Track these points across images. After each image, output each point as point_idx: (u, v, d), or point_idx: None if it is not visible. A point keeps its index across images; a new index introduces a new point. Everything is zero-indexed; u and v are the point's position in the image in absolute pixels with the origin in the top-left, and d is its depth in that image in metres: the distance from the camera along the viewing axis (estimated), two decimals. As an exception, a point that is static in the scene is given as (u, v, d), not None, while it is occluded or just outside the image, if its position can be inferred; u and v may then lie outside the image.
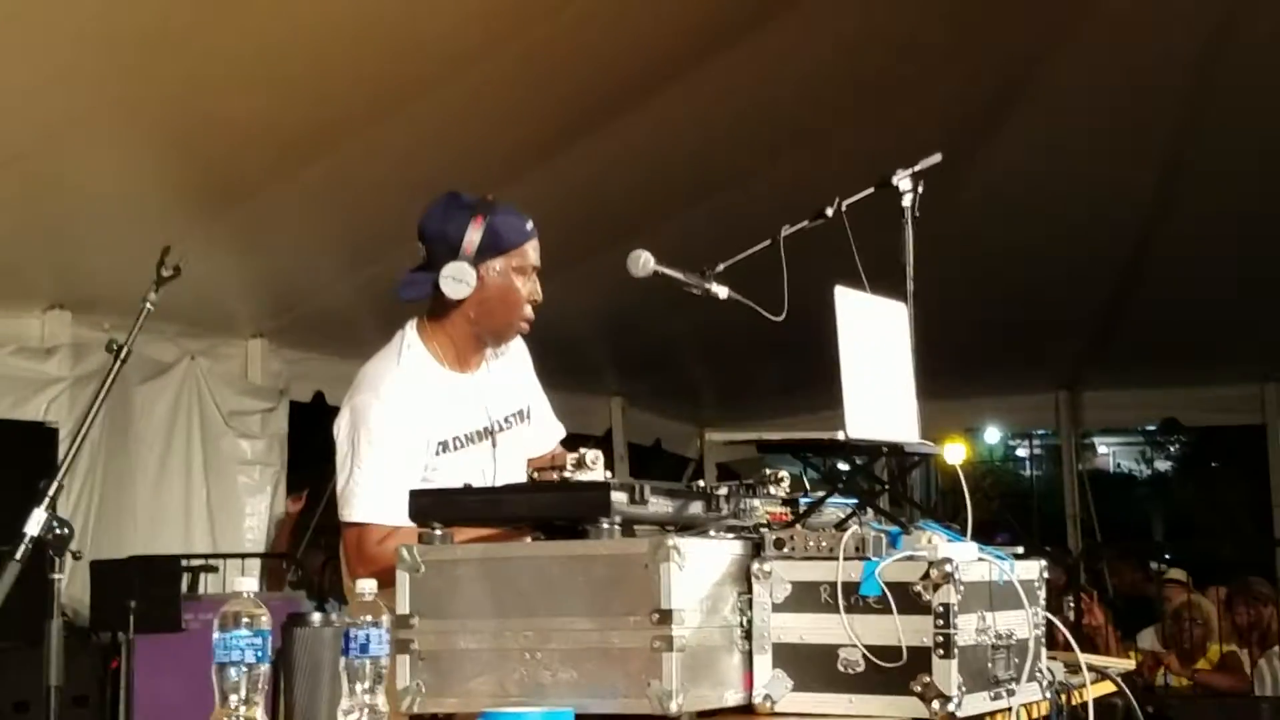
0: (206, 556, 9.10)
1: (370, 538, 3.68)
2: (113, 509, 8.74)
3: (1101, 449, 31.61)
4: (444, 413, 3.84)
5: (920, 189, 3.91)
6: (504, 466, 3.91)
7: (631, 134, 7.91)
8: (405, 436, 3.76)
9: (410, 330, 3.93)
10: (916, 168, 3.93)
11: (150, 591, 7.46)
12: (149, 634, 7.44)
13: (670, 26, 7.25)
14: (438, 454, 3.80)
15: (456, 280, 3.79)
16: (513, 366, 4.09)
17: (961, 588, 2.80)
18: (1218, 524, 24.16)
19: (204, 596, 8.49)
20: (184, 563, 8.52)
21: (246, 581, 2.59)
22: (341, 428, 3.81)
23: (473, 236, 3.79)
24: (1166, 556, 15.75)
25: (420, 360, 3.88)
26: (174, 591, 7.82)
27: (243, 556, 9.29)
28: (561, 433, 4.28)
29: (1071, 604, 9.00)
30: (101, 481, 8.56)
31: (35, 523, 3.48)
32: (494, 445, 3.94)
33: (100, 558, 7.66)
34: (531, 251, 3.89)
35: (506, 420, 4.01)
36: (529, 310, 3.91)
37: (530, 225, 3.89)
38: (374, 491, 3.70)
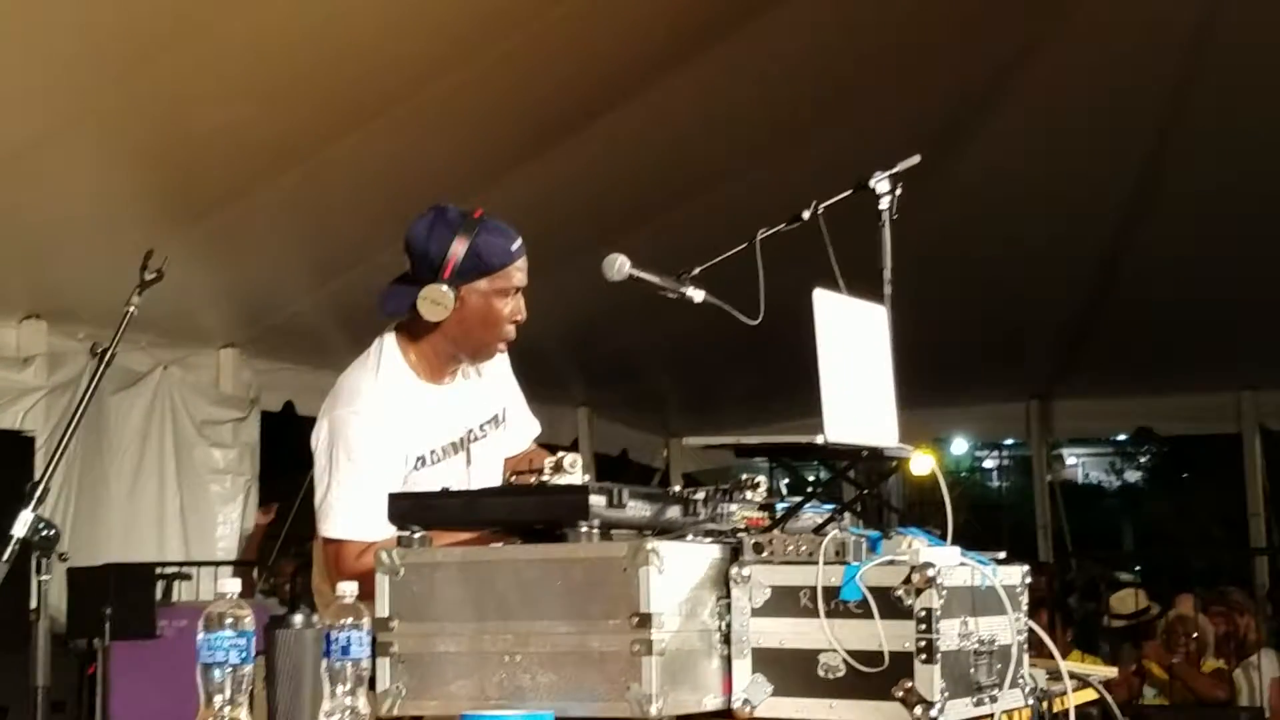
0: (180, 564, 9.11)
1: (349, 553, 3.66)
2: (87, 517, 8.73)
3: (1070, 460, 31.65)
4: (420, 427, 3.82)
5: (899, 191, 3.90)
6: (478, 480, 3.87)
7: (600, 142, 7.92)
8: (383, 451, 3.73)
9: (388, 340, 3.89)
10: (894, 170, 3.92)
11: (125, 598, 7.47)
12: (125, 640, 7.46)
13: (639, 33, 7.27)
14: (415, 469, 3.78)
15: (434, 303, 3.75)
16: (487, 368, 4.05)
17: (944, 592, 2.79)
18: (1190, 534, 24.22)
19: (178, 603, 8.51)
20: (158, 570, 8.52)
21: (230, 583, 2.59)
22: (320, 441, 3.78)
23: (454, 258, 3.74)
24: (1138, 568, 15.83)
25: (398, 372, 3.86)
26: (149, 598, 7.84)
27: (216, 564, 9.28)
28: (536, 429, 4.25)
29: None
30: (76, 490, 8.55)
31: (22, 524, 3.46)
32: (468, 458, 3.92)
33: (76, 565, 7.64)
34: (516, 273, 3.83)
35: (481, 429, 3.99)
36: (509, 330, 3.87)
37: (516, 245, 3.83)
38: (352, 507, 3.68)
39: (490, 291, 3.80)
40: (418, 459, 3.79)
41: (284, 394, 10.23)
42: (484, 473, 3.92)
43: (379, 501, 3.31)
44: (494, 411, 4.05)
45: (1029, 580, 3.23)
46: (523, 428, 4.20)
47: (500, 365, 4.10)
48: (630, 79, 7.58)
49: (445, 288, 3.74)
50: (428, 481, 3.75)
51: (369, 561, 3.26)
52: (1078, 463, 32.44)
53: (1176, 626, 9.08)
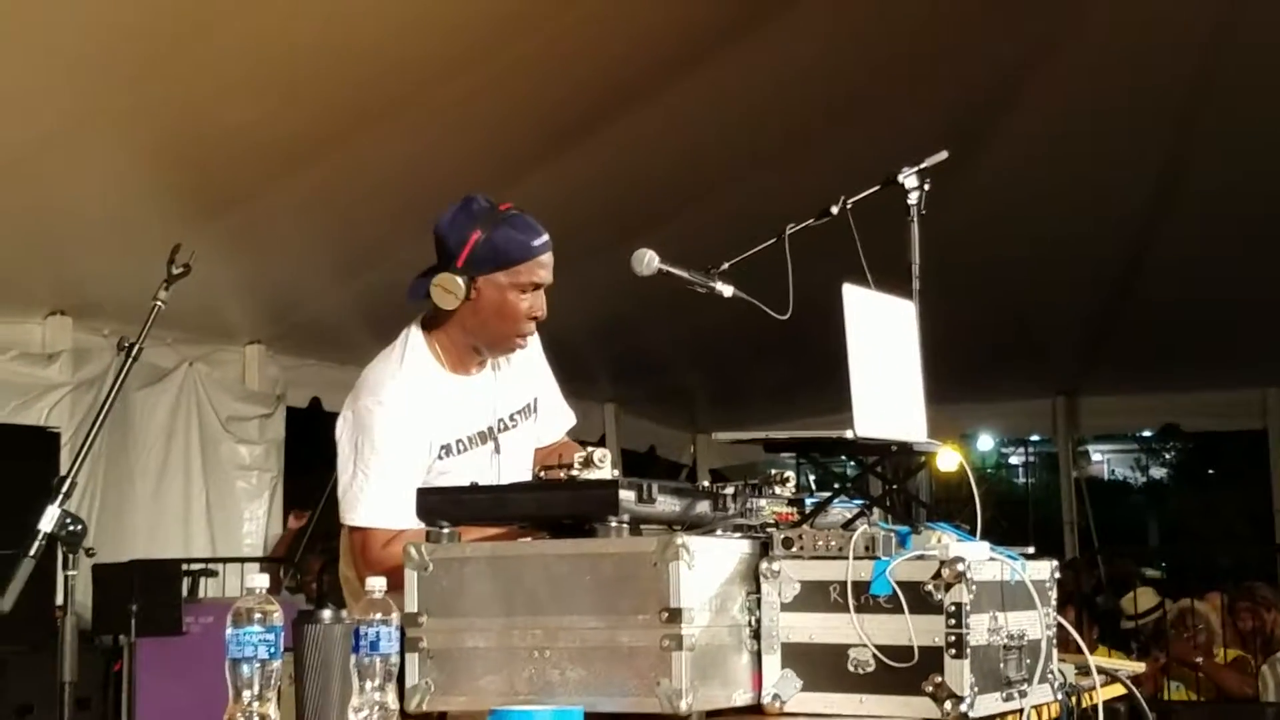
0: (206, 561, 9.12)
1: (375, 541, 3.65)
2: (113, 514, 8.78)
3: (1096, 456, 31.60)
4: (446, 416, 3.81)
5: (927, 187, 3.89)
6: (507, 469, 3.87)
7: (626, 138, 7.91)
8: (408, 441, 3.72)
9: (414, 331, 3.89)
10: (922, 165, 3.91)
11: (151, 595, 7.51)
12: (150, 637, 7.48)
13: (654, 36, 7.26)
14: (440, 458, 3.76)
15: (445, 291, 3.74)
16: (518, 357, 4.01)
17: (974, 587, 2.78)
18: (1216, 530, 24.16)
19: (204, 600, 8.52)
20: (184, 567, 8.54)
21: (258, 578, 2.59)
22: (344, 431, 3.77)
23: (469, 248, 3.74)
24: (1164, 564, 15.78)
25: (422, 363, 3.84)
26: (175, 595, 7.86)
27: (242, 561, 9.31)
28: (571, 420, 4.23)
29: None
30: (102, 486, 8.60)
31: (49, 519, 3.46)
32: (496, 447, 3.90)
33: (101, 562, 7.66)
34: (538, 269, 3.79)
35: (511, 419, 3.96)
36: (527, 326, 3.84)
37: (539, 241, 3.79)
38: (377, 496, 3.67)
39: (507, 285, 3.77)
40: (443, 448, 3.77)
41: (310, 390, 10.25)
42: (513, 462, 3.90)
43: (404, 491, 3.35)
44: (525, 401, 4.03)
45: (1058, 575, 3.22)
46: (556, 418, 4.17)
47: (533, 354, 4.07)
48: (646, 81, 7.57)
49: (457, 276, 3.73)
50: (454, 470, 3.74)
51: (396, 551, 3.27)
52: (1103, 459, 32.39)
53: (1181, 621, 9.06)
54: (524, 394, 4.03)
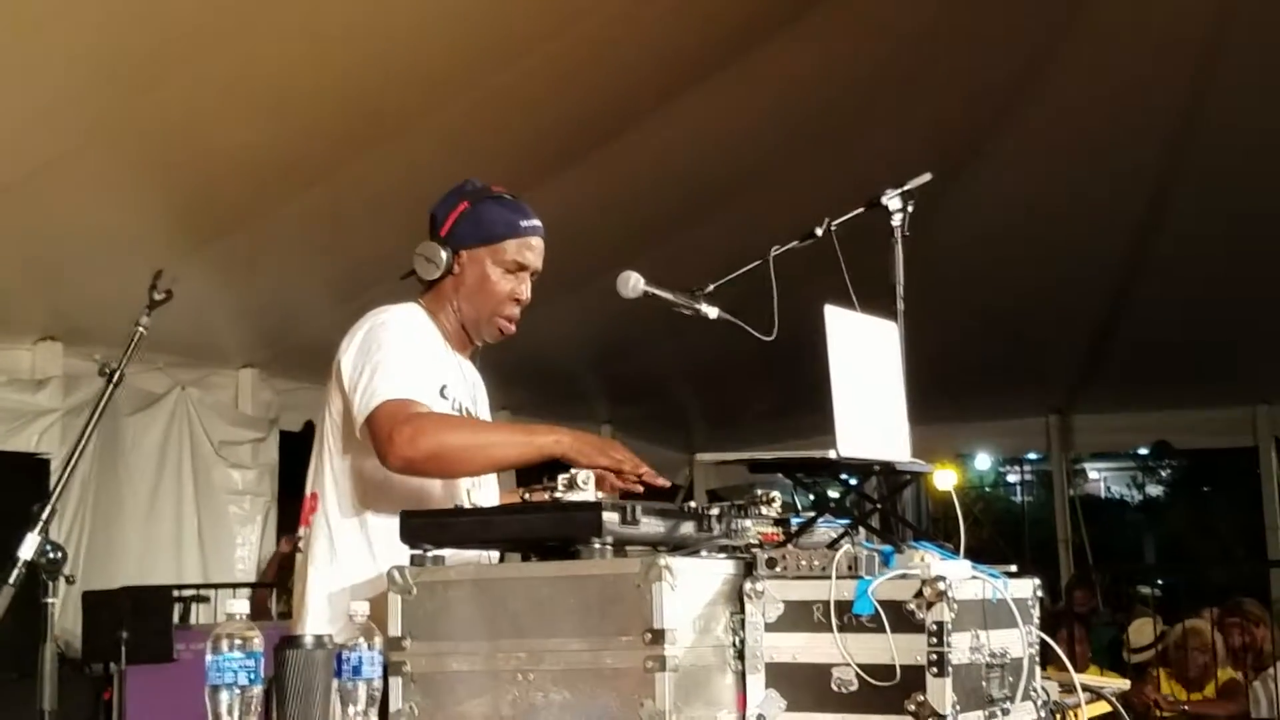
0: (198, 587, 9.10)
1: (405, 409, 3.45)
2: (103, 540, 8.75)
3: (1092, 474, 31.55)
4: (445, 366, 3.76)
5: (910, 208, 3.90)
6: None
7: (621, 162, 7.93)
8: (416, 342, 3.67)
9: (412, 304, 3.84)
10: (906, 187, 3.92)
11: (142, 622, 7.47)
12: (141, 664, 7.44)
13: (653, 57, 7.28)
14: (443, 397, 3.68)
15: (427, 259, 3.74)
16: (480, 383, 3.98)
17: (955, 605, 2.78)
18: (1209, 547, 24.16)
19: (196, 626, 8.49)
20: (175, 593, 8.52)
21: (237, 604, 2.59)
22: (350, 350, 3.64)
23: (452, 220, 3.76)
24: (1159, 582, 15.77)
25: (424, 318, 3.81)
26: (165, 622, 7.83)
27: (234, 586, 9.29)
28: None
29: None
30: (92, 512, 8.58)
31: (29, 547, 3.46)
32: None
33: (91, 589, 7.65)
34: (524, 250, 3.79)
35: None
36: (510, 309, 3.80)
37: (527, 223, 3.80)
38: (400, 374, 3.53)
39: (490, 262, 3.77)
40: (444, 387, 3.69)
41: (304, 414, 10.21)
42: None
43: (418, 373, 3.43)
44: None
45: (1040, 594, 3.23)
46: None
47: (482, 386, 4.01)
48: (637, 107, 7.61)
49: (440, 247, 3.74)
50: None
51: (433, 417, 3.36)
52: (1100, 476, 32.36)
53: (1187, 641, 9.04)
54: (481, 413, 3.97)
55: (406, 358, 3.59)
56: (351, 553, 3.60)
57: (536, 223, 3.83)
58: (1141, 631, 10.24)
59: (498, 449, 3.52)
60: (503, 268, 3.78)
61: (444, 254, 3.74)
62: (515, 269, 3.79)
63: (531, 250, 3.80)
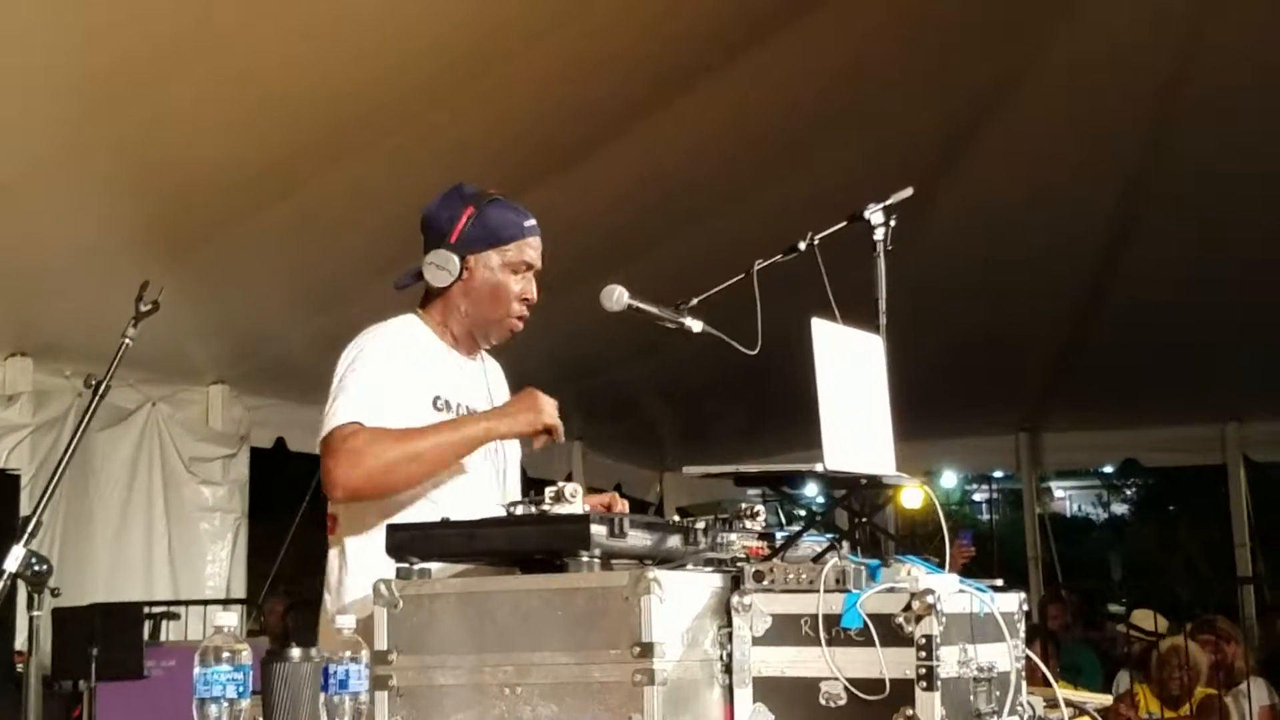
0: (168, 603, 9.05)
1: (342, 438, 3.54)
2: (74, 556, 8.70)
3: (1059, 493, 31.70)
4: (442, 372, 3.79)
5: (892, 222, 3.92)
6: (511, 459, 3.87)
7: (595, 176, 7.92)
8: (395, 362, 3.69)
9: (406, 315, 3.88)
10: (888, 201, 3.94)
11: (112, 639, 7.42)
12: (111, 681, 7.40)
13: (628, 71, 7.27)
14: (436, 409, 3.71)
15: (439, 267, 3.77)
16: (498, 374, 4.04)
17: (944, 619, 2.78)
18: (1177, 565, 24.26)
19: (166, 643, 8.45)
20: (146, 609, 8.46)
21: (226, 617, 2.58)
22: (336, 372, 3.70)
23: (462, 225, 3.78)
24: (1123, 600, 15.84)
25: (418, 328, 3.84)
26: (136, 638, 7.77)
27: (204, 603, 9.24)
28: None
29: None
30: (62, 529, 8.52)
31: (14, 559, 3.43)
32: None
33: (61, 605, 7.59)
34: (528, 249, 3.84)
35: None
36: (519, 308, 3.86)
37: (530, 223, 3.86)
38: (355, 398, 3.59)
39: (500, 265, 3.81)
40: (438, 399, 3.73)
41: (274, 430, 10.21)
42: (512, 460, 3.90)
43: (379, 398, 3.46)
44: None
45: (1026, 608, 3.23)
46: (513, 458, 4.10)
47: (503, 377, 4.06)
48: (614, 121, 7.60)
49: (451, 253, 3.76)
50: None
51: (361, 439, 3.42)
52: (1066, 495, 32.50)
53: (1171, 658, 9.05)
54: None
55: (372, 380, 3.63)
56: (363, 572, 3.59)
57: (535, 222, 3.88)
58: (1146, 618, 10.28)
59: (430, 453, 3.56)
60: (511, 269, 3.83)
61: (456, 260, 3.76)
62: (524, 270, 3.84)
63: (535, 250, 3.87)
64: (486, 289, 3.81)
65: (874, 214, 3.94)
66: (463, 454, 3.59)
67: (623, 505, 3.65)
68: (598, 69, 7.14)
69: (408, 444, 3.57)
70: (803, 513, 3.47)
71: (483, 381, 3.93)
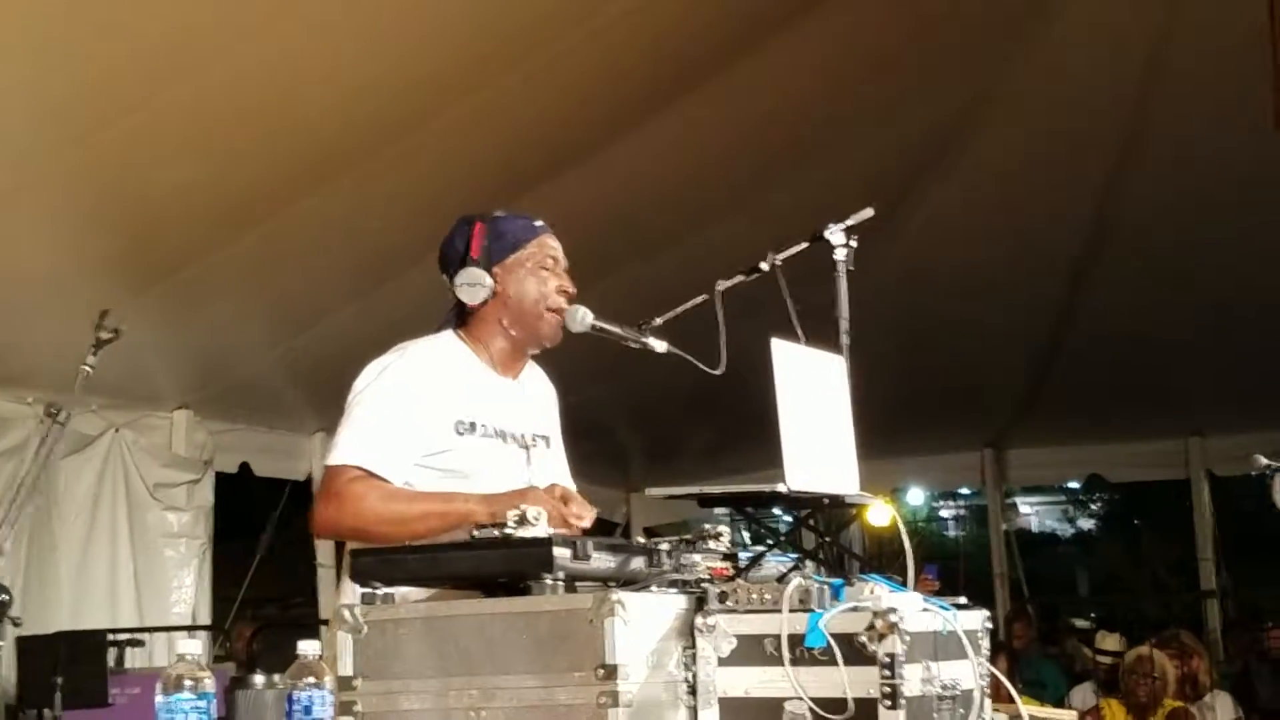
0: (133, 630, 8.97)
1: (340, 475, 3.61)
2: (37, 584, 8.63)
3: (1024, 509, 31.80)
4: (471, 393, 3.79)
5: (854, 243, 3.94)
6: (539, 480, 3.85)
7: (563, 198, 7.91)
8: (416, 390, 3.70)
9: (447, 332, 3.91)
10: (849, 222, 3.96)
11: (77, 667, 7.36)
12: (77, 709, 7.35)
13: (590, 97, 7.28)
14: (458, 433, 3.73)
15: (471, 285, 3.80)
16: (543, 390, 4.09)
17: (907, 638, 2.79)
18: (1142, 580, 24.36)
19: (131, 670, 8.36)
20: (110, 637, 8.40)
21: (189, 644, 2.57)
22: (353, 389, 3.75)
23: (478, 241, 3.81)
24: (1092, 615, 15.90)
25: (455, 346, 3.87)
26: (100, 666, 7.71)
27: (170, 630, 9.18)
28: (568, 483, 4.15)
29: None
30: (26, 556, 8.46)
31: (-24, 589, 3.42)
32: (528, 458, 3.90)
33: (25, 634, 7.54)
34: (548, 244, 3.90)
35: (534, 439, 3.96)
36: (558, 300, 3.87)
37: (539, 223, 3.92)
38: (362, 435, 3.64)
39: (524, 266, 3.85)
40: (459, 423, 3.74)
41: (239, 455, 10.16)
42: (543, 478, 3.88)
43: (389, 437, 3.48)
44: (545, 432, 4.04)
45: (990, 625, 3.24)
46: (559, 469, 4.11)
47: (550, 396, 4.13)
48: (583, 142, 7.61)
49: (478, 269, 3.79)
50: (475, 452, 3.74)
51: (358, 489, 3.43)
52: (1032, 511, 32.60)
53: (1138, 667, 9.09)
54: (543, 425, 4.03)
55: (380, 413, 3.66)
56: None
57: (543, 221, 3.94)
58: (1108, 641, 10.35)
59: (416, 523, 3.55)
60: (539, 266, 3.86)
61: (485, 275, 3.81)
62: (551, 264, 3.87)
63: (554, 244, 3.91)
64: (519, 293, 3.85)
65: (834, 234, 3.96)
66: (448, 529, 3.54)
67: (577, 498, 3.63)
68: (560, 97, 7.15)
69: (397, 507, 3.60)
70: (774, 531, 3.48)
71: (520, 402, 3.94)
